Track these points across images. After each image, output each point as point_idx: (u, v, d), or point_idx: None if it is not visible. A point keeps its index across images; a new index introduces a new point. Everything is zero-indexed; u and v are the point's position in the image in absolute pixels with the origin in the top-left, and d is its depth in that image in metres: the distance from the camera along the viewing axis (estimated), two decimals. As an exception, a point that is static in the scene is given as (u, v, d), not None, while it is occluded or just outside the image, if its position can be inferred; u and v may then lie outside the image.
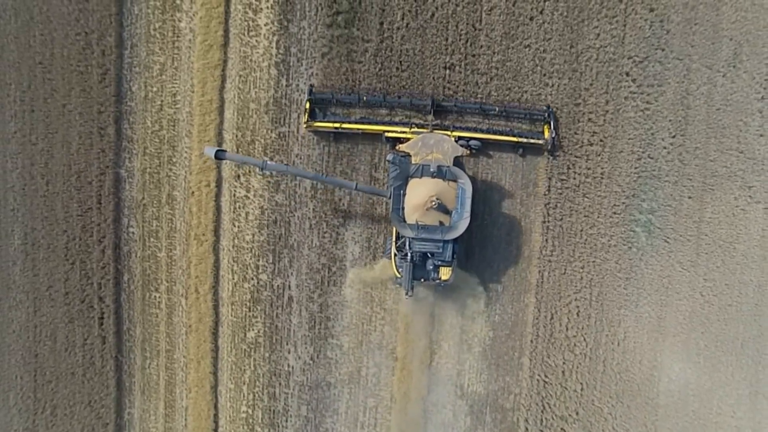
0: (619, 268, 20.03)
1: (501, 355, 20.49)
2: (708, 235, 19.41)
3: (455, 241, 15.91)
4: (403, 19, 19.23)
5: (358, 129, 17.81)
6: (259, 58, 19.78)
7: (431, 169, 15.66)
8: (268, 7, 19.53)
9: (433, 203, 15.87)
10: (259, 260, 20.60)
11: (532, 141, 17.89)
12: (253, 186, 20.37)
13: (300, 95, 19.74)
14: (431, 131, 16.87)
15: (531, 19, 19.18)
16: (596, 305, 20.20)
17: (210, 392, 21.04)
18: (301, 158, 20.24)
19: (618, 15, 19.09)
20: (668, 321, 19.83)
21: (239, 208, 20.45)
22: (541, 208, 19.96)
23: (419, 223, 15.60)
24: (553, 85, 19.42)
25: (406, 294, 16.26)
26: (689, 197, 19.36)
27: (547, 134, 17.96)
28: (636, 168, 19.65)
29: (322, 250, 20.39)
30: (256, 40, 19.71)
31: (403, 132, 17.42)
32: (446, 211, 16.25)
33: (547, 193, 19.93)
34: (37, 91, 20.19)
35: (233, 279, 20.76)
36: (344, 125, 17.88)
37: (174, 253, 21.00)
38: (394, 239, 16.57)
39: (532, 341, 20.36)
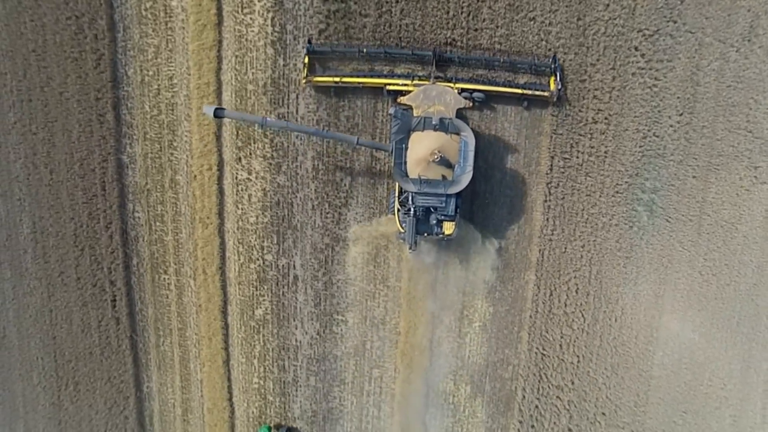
0: (619, 247, 16.51)
1: (501, 329, 17.40)
2: (710, 215, 15.88)
3: (458, 195, 13.16)
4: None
5: (359, 83, 14.30)
6: (255, 37, 15.61)
7: (433, 122, 12.82)
8: (261, -20, 14.05)
9: (436, 157, 12.76)
10: (263, 241, 17.16)
11: (537, 93, 14.20)
12: (254, 168, 16.63)
13: (298, 75, 15.65)
14: (433, 83, 13.61)
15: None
16: (595, 283, 16.82)
17: (223, 366, 18.10)
18: (301, 139, 16.47)
19: (630, -17, 13.92)
20: (666, 299, 16.55)
21: (242, 190, 16.82)
22: (543, 187, 16.22)
23: (422, 177, 12.86)
24: (559, 59, 15.33)
25: (410, 248, 13.57)
26: (693, 177, 15.70)
27: (553, 86, 14.17)
28: (641, 147, 15.76)
29: (325, 230, 16.92)
30: (251, 18, 15.49)
31: (405, 85, 13.96)
32: (449, 165, 13.11)
33: (549, 172, 16.15)
34: (33, 80, 16.36)
35: (239, 260, 17.41)
36: (344, 79, 14.28)
37: (180, 236, 17.46)
38: (397, 194, 13.86)
39: (531, 316, 17.16)
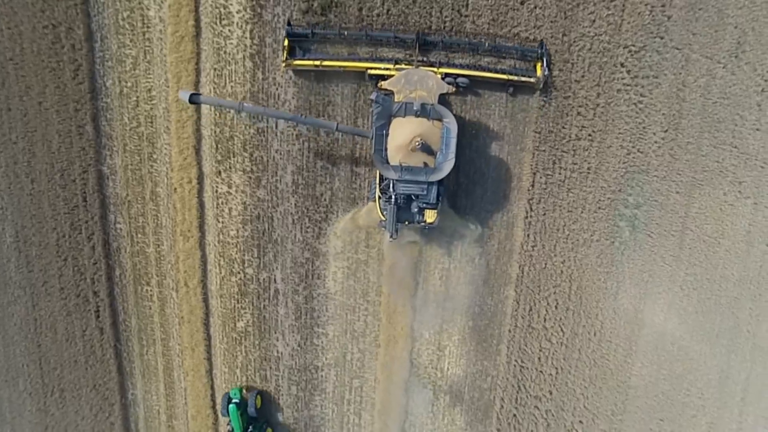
0: (600, 263, 16.17)
1: (480, 342, 17.15)
2: (693, 230, 15.53)
3: (440, 182, 12.40)
4: (383, 4, 14.39)
5: (340, 66, 13.37)
6: (234, 50, 15.04)
7: (414, 108, 12.01)
8: (239, -9, 13.45)
9: (417, 144, 12.10)
10: (244, 255, 16.80)
11: (523, 79, 13.36)
12: (234, 182, 16.19)
13: (278, 89, 15.16)
14: (416, 67, 12.82)
15: (522, 3, 14.29)
16: (575, 298, 16.53)
17: (206, 375, 17.91)
18: (281, 154, 16.01)
19: (616, -1, 13.34)
20: (646, 313, 16.28)
21: (222, 204, 16.42)
22: (524, 203, 15.79)
23: (403, 164, 12.13)
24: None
25: (391, 237, 12.92)
26: (677, 192, 15.29)
27: (539, 72, 13.38)
28: (624, 163, 15.30)
29: (306, 245, 16.56)
30: (229, 30, 14.89)
31: (387, 69, 13.08)
32: (431, 152, 12.37)
33: (531, 188, 15.68)
34: (11, 89, 15.79)
35: (221, 273, 17.08)
36: (325, 63, 13.38)
37: (162, 249, 17.11)
38: (378, 181, 13.10)
39: (510, 330, 16.87)
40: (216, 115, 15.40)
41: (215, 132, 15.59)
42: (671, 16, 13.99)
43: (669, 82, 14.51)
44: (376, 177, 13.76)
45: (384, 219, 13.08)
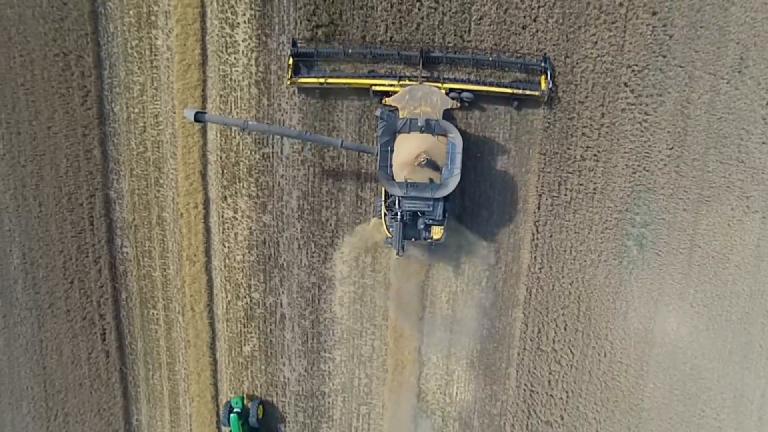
0: (608, 283, 15.90)
1: (489, 366, 16.80)
2: (701, 246, 15.24)
3: (446, 198, 12.23)
4: (386, 31, 14.49)
5: (344, 84, 13.44)
6: (239, 77, 15.13)
7: (419, 124, 11.98)
8: (245, 22, 14.72)
9: (422, 160, 11.94)
10: (250, 279, 16.67)
11: (527, 92, 13.30)
12: (240, 207, 16.15)
13: (282, 115, 15.23)
14: (421, 83, 12.78)
15: (524, 28, 14.33)
16: (584, 319, 16.20)
17: (212, 401, 17.61)
18: (286, 179, 15.98)
19: (618, 20, 14.16)
20: (656, 332, 15.94)
21: (228, 229, 16.36)
22: (531, 225, 15.61)
23: (408, 180, 12.01)
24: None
25: (397, 254, 12.73)
26: (684, 209, 15.09)
27: (543, 85, 13.32)
28: (630, 182, 15.14)
29: (312, 270, 16.40)
30: (235, 58, 15.01)
31: (392, 85, 13.08)
32: (436, 168, 12.14)
33: (537, 210, 15.54)
34: (21, 113, 15.97)
35: (227, 297, 16.92)
36: (329, 80, 13.45)
37: (168, 273, 17.00)
38: (383, 198, 12.94)
39: (519, 354, 16.55)
40: (222, 140, 15.42)
41: (221, 157, 15.63)
42: (673, 35, 13.94)
43: (673, 100, 14.43)
44: (381, 194, 13.59)
45: (390, 236, 12.82)
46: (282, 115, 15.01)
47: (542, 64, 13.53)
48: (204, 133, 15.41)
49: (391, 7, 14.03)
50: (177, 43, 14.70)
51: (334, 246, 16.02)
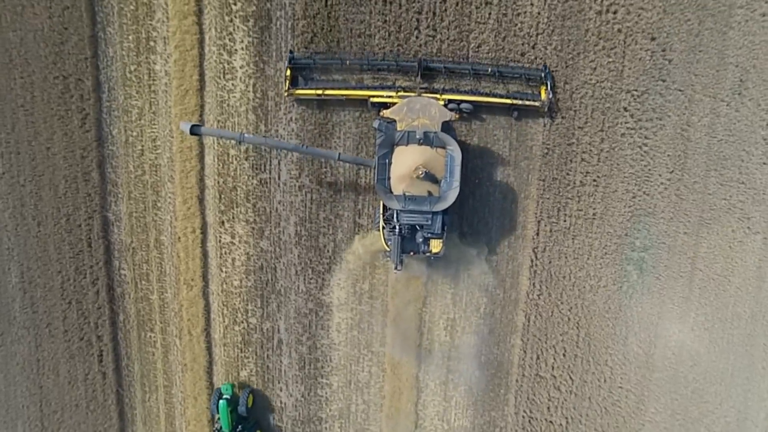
0: (608, 309, 15.67)
1: (487, 392, 16.57)
2: (702, 270, 15.05)
3: (445, 211, 11.89)
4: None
5: (342, 95, 13.13)
6: (237, 103, 15.01)
7: (417, 136, 11.65)
8: (242, 49, 14.63)
9: (420, 173, 11.48)
10: (248, 305, 16.51)
11: (528, 103, 13.00)
12: (237, 232, 16.04)
13: (280, 141, 15.07)
14: (419, 95, 12.52)
15: (522, 54, 14.14)
16: (583, 345, 15.99)
17: (208, 425, 17.33)
18: (283, 205, 15.86)
19: (617, 46, 13.99)
20: (656, 357, 15.69)
21: (225, 254, 16.23)
22: (529, 251, 15.41)
23: (406, 193, 11.68)
24: (545, 124, 14.62)
25: (395, 268, 12.42)
26: (685, 233, 14.89)
27: (544, 95, 13.07)
28: (630, 207, 14.95)
29: (309, 296, 16.22)
30: (233, 84, 14.92)
31: (390, 96, 12.74)
32: (435, 181, 11.74)
33: (535, 236, 15.33)
34: (21, 134, 15.97)
35: (224, 322, 16.76)
36: (327, 91, 13.17)
37: (166, 296, 16.87)
38: (381, 211, 12.59)
39: (517, 380, 16.31)
40: (219, 165, 15.30)
41: (218, 182, 15.51)
42: (672, 60, 13.81)
43: (673, 124, 14.26)
44: (379, 207, 13.37)
45: (388, 249, 12.46)
46: (279, 140, 14.78)
47: (542, 74, 12.91)
48: (201, 157, 15.30)
49: (389, 35, 13.88)
50: (175, 69, 14.60)
51: (332, 272, 15.88)
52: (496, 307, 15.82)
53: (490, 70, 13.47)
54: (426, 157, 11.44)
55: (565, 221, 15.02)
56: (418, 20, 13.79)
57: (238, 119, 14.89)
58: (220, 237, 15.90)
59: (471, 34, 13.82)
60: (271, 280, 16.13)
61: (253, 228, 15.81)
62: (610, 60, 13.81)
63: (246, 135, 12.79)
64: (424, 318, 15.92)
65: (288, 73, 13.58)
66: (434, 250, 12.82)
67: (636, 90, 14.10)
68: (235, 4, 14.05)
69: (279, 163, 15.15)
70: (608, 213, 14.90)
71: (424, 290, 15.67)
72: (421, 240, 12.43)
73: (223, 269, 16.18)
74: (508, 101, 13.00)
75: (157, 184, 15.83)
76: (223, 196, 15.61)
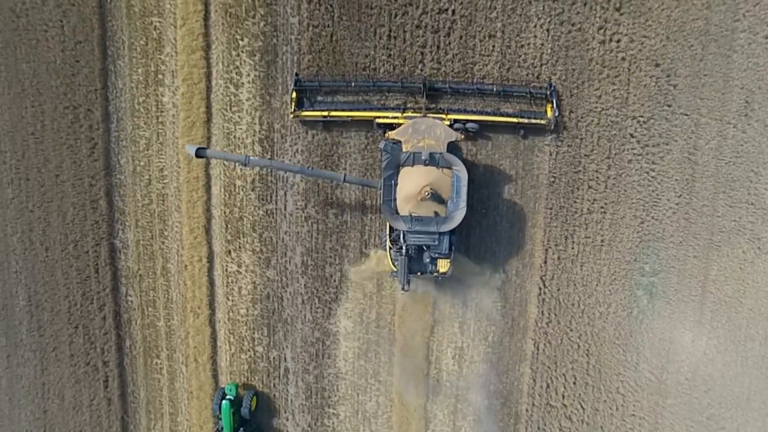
0: (618, 335, 15.44)
1: (496, 422, 16.27)
2: (713, 292, 14.78)
3: (452, 232, 11.77)
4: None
5: (348, 116, 13.15)
6: (243, 135, 15.15)
7: (423, 157, 11.53)
8: (249, 82, 14.80)
9: (427, 194, 11.36)
10: (254, 333, 16.47)
11: (534, 121, 12.98)
12: (244, 261, 16.04)
13: (286, 172, 15.19)
14: (425, 115, 12.51)
15: (527, 85, 14.10)
16: (594, 373, 15.71)
17: (214, 453, 16.20)
18: (290, 235, 15.88)
19: (621, 74, 14.02)
20: (669, 383, 15.39)
21: (232, 282, 16.21)
22: (537, 280, 15.25)
23: (413, 214, 11.57)
24: (551, 153, 14.61)
25: (402, 289, 12.24)
26: (694, 256, 14.65)
27: (549, 113, 13.00)
28: (639, 232, 14.79)
29: (316, 325, 16.14)
30: (239, 116, 15.04)
31: (395, 117, 12.80)
32: (441, 201, 11.66)
33: (543, 265, 15.20)
34: (30, 161, 16.24)
35: (230, 350, 16.72)
36: (333, 113, 13.23)
37: (172, 323, 16.86)
38: (388, 231, 12.53)
39: (527, 410, 16.04)
40: (226, 196, 15.35)
41: (225, 212, 15.57)
42: (677, 85, 13.78)
43: (680, 148, 14.18)
44: (386, 227, 13.31)
45: (395, 270, 12.35)
46: (285, 173, 14.84)
47: (548, 92, 12.83)
48: (208, 188, 15.36)
49: (394, 68, 13.97)
50: (183, 101, 14.75)
51: (338, 302, 15.76)
52: (505, 335, 15.65)
53: (495, 89, 13.50)
54: (432, 178, 11.44)
55: (573, 249, 14.85)
56: (422, 53, 13.82)
57: (244, 150, 15.01)
58: (227, 266, 15.91)
59: (475, 66, 13.85)
60: (278, 309, 16.08)
61: (260, 257, 15.82)
62: (615, 87, 13.78)
63: (251, 158, 12.88)
64: (432, 347, 15.75)
65: (294, 95, 13.52)
66: (442, 270, 12.48)
67: (642, 116, 14.02)
68: (242, 40, 14.19)
69: (285, 194, 15.15)
70: (616, 239, 14.70)
71: (432, 319, 15.47)
72: (428, 260, 12.14)
73: (230, 298, 16.18)
74: (514, 120, 12.92)
75: (164, 213, 15.92)
76: (229, 226, 15.68)
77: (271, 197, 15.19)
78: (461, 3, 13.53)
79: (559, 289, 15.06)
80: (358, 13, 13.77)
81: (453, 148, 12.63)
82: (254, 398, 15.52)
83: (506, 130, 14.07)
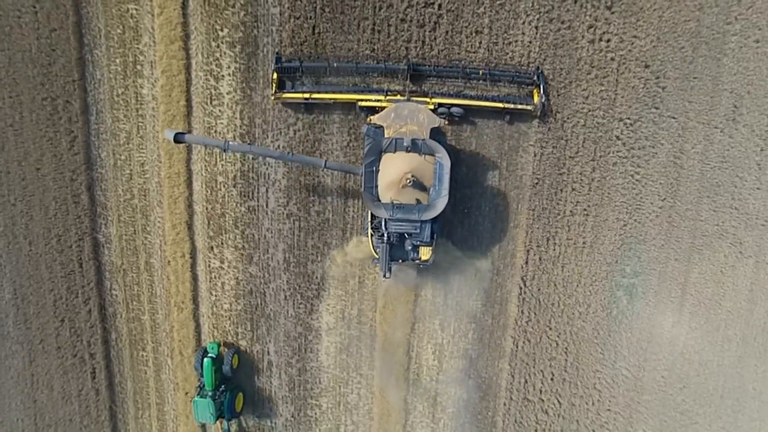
0: (597, 335, 15.68)
1: (475, 414, 16.62)
2: (693, 294, 14.96)
3: (434, 220, 11.45)
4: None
5: (330, 99, 12.66)
6: (224, 129, 14.77)
7: (405, 143, 11.17)
8: (229, 75, 14.34)
9: (408, 181, 11.02)
10: (238, 327, 16.56)
11: (520, 106, 12.60)
12: (227, 258, 15.98)
13: (267, 168, 15.01)
14: (408, 99, 12.07)
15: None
16: (571, 369, 16.00)
17: (201, 441, 16.68)
18: (272, 232, 15.81)
19: (610, 75, 13.73)
20: (646, 380, 15.70)
21: (215, 278, 16.19)
22: (518, 279, 15.31)
23: (394, 202, 11.26)
24: (536, 154, 14.42)
25: (384, 276, 11.98)
26: (675, 259, 14.76)
27: (536, 98, 12.68)
28: (621, 235, 14.82)
29: (298, 320, 16.23)
30: (220, 110, 14.67)
31: (378, 100, 12.29)
32: (423, 188, 11.37)
33: (524, 265, 15.23)
34: (11, 153, 15.87)
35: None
36: (314, 95, 12.76)
37: (157, 317, 16.94)
38: (369, 218, 12.20)
39: (505, 403, 16.36)
40: (207, 192, 15.16)
41: (207, 209, 15.40)
42: (666, 87, 13.55)
43: (666, 151, 14.08)
44: (367, 214, 12.33)
45: (377, 257, 12.06)
46: (267, 168, 14.74)
47: (535, 77, 12.33)
48: (189, 183, 15.15)
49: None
50: (162, 94, 14.36)
51: (320, 298, 15.82)
52: (485, 332, 15.81)
53: (481, 72, 13.08)
54: (414, 165, 11.07)
55: (554, 250, 14.85)
56: (407, 48, 13.42)
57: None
58: (210, 262, 15.82)
59: (461, 63, 13.44)
60: (261, 304, 16.11)
61: (242, 254, 15.73)
62: (603, 88, 13.52)
63: (231, 143, 12.52)
64: (413, 343, 15.85)
65: (274, 76, 12.69)
66: (423, 257, 12.06)
67: (629, 118, 13.83)
68: (221, 30, 13.70)
69: (267, 191, 14.95)
70: (598, 241, 14.71)
71: (413, 316, 15.56)
72: (410, 247, 11.78)
73: (213, 293, 16.17)
74: (500, 105, 12.42)
75: (146, 209, 15.71)
76: (211, 222, 15.51)
77: (252, 194, 14.97)
78: (448, -3, 12.98)
79: (539, 290, 15.13)
80: (341, 5, 13.26)
81: (437, 134, 12.26)
82: (235, 356, 14.70)
83: (491, 115, 13.68)
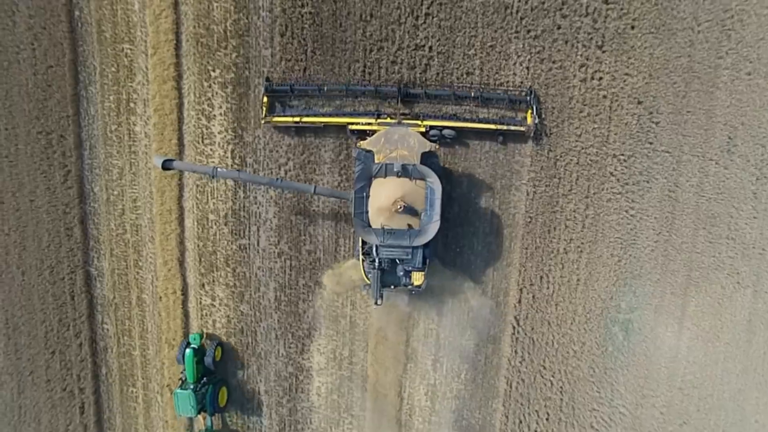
0: (593, 373, 15.25)
1: (470, 455, 15.09)
2: (690, 328, 14.53)
3: (426, 245, 11.10)
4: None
5: (320, 122, 12.52)
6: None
7: (395, 168, 10.88)
8: (221, 114, 14.33)
9: (399, 207, 10.68)
10: (228, 366, 16.19)
11: (513, 128, 12.34)
12: (218, 295, 15.73)
13: (258, 207, 14.87)
14: (399, 122, 11.88)
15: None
16: (567, 409, 15.54)
17: (189, 481, 16.16)
18: (263, 271, 15.60)
19: (602, 112, 13.59)
20: (644, 417, 15.18)
21: (206, 315, 15.91)
22: (511, 319, 14.95)
23: (385, 227, 10.90)
24: (528, 193, 14.22)
25: (375, 303, 11.72)
26: (672, 293, 14.38)
27: (530, 120, 12.42)
28: (616, 271, 14.51)
29: (289, 360, 15.92)
30: (211, 149, 14.64)
31: (369, 123, 12.06)
32: (414, 214, 11.04)
33: (517, 304, 14.88)
34: (5, 184, 15.85)
35: (205, 381, 15.77)
36: (305, 119, 12.58)
37: (147, 353, 16.64)
38: (360, 243, 11.86)
39: (500, 444, 15.02)
40: (199, 229, 14.99)
41: (198, 246, 15.27)
42: (659, 122, 13.40)
43: (660, 186, 13.85)
44: (358, 239, 12.07)
45: (368, 282, 11.77)
46: (258, 207, 14.60)
47: (528, 98, 12.09)
48: (181, 221, 15.07)
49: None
50: (155, 132, 14.35)
51: (312, 338, 15.52)
52: (478, 373, 15.38)
53: (473, 94, 12.82)
54: (405, 190, 10.80)
55: (548, 288, 14.52)
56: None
57: (216, 184, 14.58)
58: (201, 299, 15.63)
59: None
60: (252, 343, 15.84)
61: (233, 292, 15.50)
62: (596, 126, 13.33)
63: (219, 169, 12.36)
64: (405, 383, 15.40)
65: (264, 100, 12.54)
66: (416, 283, 11.72)
67: (622, 154, 13.66)
68: (214, 71, 13.64)
69: (258, 230, 14.76)
70: (593, 278, 14.40)
71: (404, 357, 15.15)
72: (402, 273, 11.44)
73: (204, 331, 15.89)
74: (492, 127, 12.20)
75: (138, 244, 15.53)
76: (203, 259, 15.36)
77: (244, 232, 14.76)
78: (438, 39, 12.90)
79: (533, 329, 14.75)
80: (332, 47, 13.16)
81: (430, 156, 11.99)
82: (218, 348, 14.05)
83: (484, 136, 13.39)
